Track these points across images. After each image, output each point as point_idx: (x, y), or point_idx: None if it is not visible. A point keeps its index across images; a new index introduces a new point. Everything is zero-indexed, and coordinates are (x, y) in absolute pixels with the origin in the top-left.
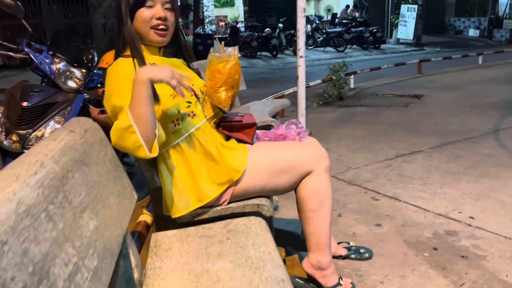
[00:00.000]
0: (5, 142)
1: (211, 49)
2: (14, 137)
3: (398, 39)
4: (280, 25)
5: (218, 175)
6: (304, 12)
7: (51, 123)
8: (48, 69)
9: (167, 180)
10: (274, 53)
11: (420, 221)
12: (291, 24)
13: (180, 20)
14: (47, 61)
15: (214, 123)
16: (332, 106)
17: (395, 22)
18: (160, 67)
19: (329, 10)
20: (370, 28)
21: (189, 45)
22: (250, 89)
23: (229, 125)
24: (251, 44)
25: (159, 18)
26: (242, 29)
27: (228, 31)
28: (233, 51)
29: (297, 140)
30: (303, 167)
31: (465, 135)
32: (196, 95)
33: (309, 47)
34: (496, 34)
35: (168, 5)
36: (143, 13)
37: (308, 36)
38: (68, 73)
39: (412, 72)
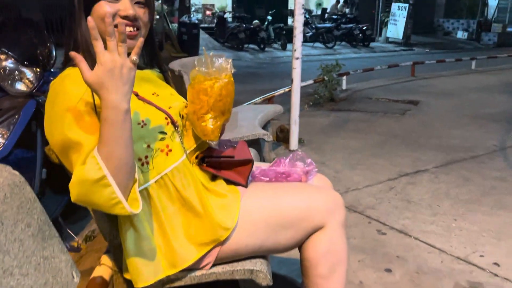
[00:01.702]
0: None
1: (196, 61)
2: None
3: (387, 38)
4: (269, 17)
5: (200, 232)
6: (303, 8)
7: None
8: None
9: (130, 239)
10: (262, 46)
11: (437, 266)
12: (280, 17)
13: (165, 7)
14: None
15: (196, 157)
16: (324, 109)
17: (385, 20)
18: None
19: (319, 4)
20: (360, 26)
21: (173, 34)
22: (237, 85)
23: (216, 162)
24: (238, 35)
25: (125, 17)
26: (230, 19)
27: (215, 21)
28: (226, 64)
29: (303, 180)
30: (313, 220)
31: (470, 152)
32: (173, 122)
33: None
34: (484, 37)
35: None
36: (103, 7)
37: None
38: (16, 73)
39: (404, 74)
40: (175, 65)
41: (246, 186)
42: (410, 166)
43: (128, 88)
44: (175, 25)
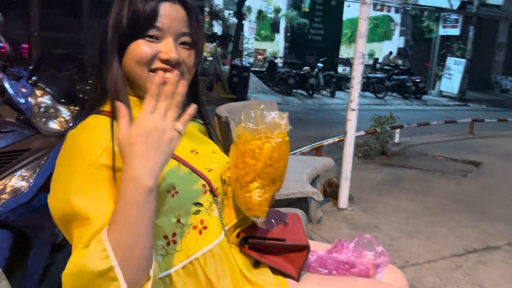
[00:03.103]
0: None
1: (242, 114)
2: None
3: (441, 92)
4: (320, 64)
5: None
6: (363, 58)
7: (14, 179)
8: (23, 103)
9: None
10: (311, 92)
11: None
12: (331, 64)
13: (218, 49)
14: (25, 91)
15: (237, 235)
16: (375, 163)
17: (440, 74)
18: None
19: (371, 54)
20: (414, 78)
21: (224, 76)
22: None
23: (262, 245)
24: (287, 80)
25: (166, 61)
26: (280, 64)
27: (266, 65)
28: (280, 119)
29: (371, 274)
30: None
31: None
32: (212, 191)
33: (347, 90)
34: None
35: (186, 38)
36: (141, 47)
37: (347, 79)
38: (52, 110)
39: (461, 130)
40: (222, 110)
41: (298, 279)
42: (478, 240)
43: (161, 162)
44: (226, 67)
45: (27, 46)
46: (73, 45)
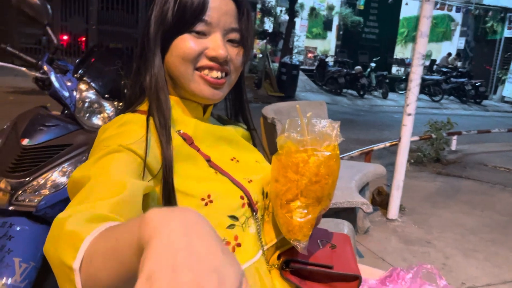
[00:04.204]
0: None
1: (287, 122)
2: (3, 184)
3: (503, 97)
4: (372, 64)
5: None
6: (423, 59)
7: (55, 174)
8: (68, 97)
9: None
10: (362, 92)
11: None
12: (385, 65)
13: (268, 46)
14: (70, 85)
15: (278, 257)
16: (428, 171)
17: (502, 78)
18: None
19: (428, 55)
20: (473, 81)
21: (273, 73)
22: None
23: (306, 270)
24: (338, 80)
25: (213, 59)
26: (331, 63)
27: (316, 63)
28: (330, 130)
29: None
30: None
31: None
32: (251, 205)
33: (401, 92)
34: None
35: (234, 35)
36: (186, 43)
37: (401, 80)
38: (95, 105)
39: None
40: (268, 111)
41: None
42: None
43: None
44: (275, 65)
45: (84, 39)
46: (129, 39)
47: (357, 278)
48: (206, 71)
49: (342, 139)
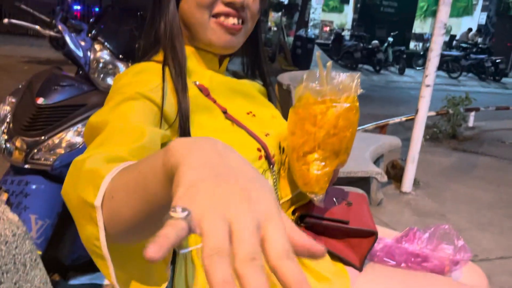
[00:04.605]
0: (7, 145)
1: (305, 73)
2: (18, 143)
3: None
4: (390, 39)
5: None
6: (445, 28)
7: (70, 134)
8: (82, 57)
9: None
10: (378, 68)
11: None
12: (402, 39)
13: (284, 19)
14: (84, 45)
15: (293, 212)
16: (443, 146)
17: None
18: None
19: (447, 31)
20: (493, 58)
21: (288, 47)
22: None
23: (321, 226)
24: (353, 54)
25: (229, 4)
26: (347, 37)
27: (332, 37)
28: (350, 81)
29: (447, 271)
30: None
31: None
32: (268, 157)
33: (418, 68)
34: None
35: None
36: None
37: (419, 56)
38: (110, 66)
39: None
40: (284, 78)
41: (360, 269)
42: None
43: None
44: (290, 38)
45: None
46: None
47: (373, 234)
48: (222, 18)
49: (362, 90)
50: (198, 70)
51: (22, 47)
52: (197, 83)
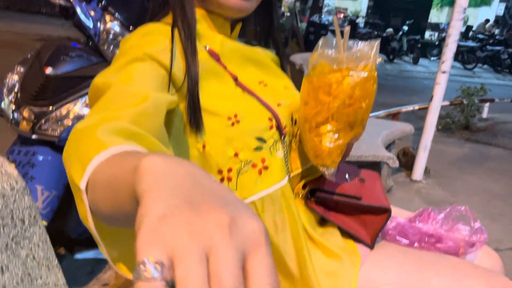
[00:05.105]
0: (15, 115)
1: (321, 40)
2: (26, 113)
3: None
4: (405, 27)
5: None
6: (464, 13)
7: (78, 105)
8: (92, 27)
9: None
10: (391, 57)
11: None
12: (418, 29)
13: (297, 4)
14: (94, 15)
15: (303, 187)
16: (456, 137)
17: None
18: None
19: (464, 21)
20: (510, 50)
21: (301, 32)
22: None
23: (332, 201)
24: None
25: None
26: (361, 24)
27: (345, 24)
28: (368, 49)
29: (461, 253)
30: None
31: None
32: (279, 127)
33: (433, 58)
34: None
35: None
36: None
37: (434, 46)
38: (120, 38)
39: None
40: (296, 58)
41: (371, 246)
42: None
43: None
44: (303, 24)
45: None
46: None
47: (386, 211)
48: None
49: (381, 59)
50: (208, 34)
51: (34, 25)
52: (208, 47)
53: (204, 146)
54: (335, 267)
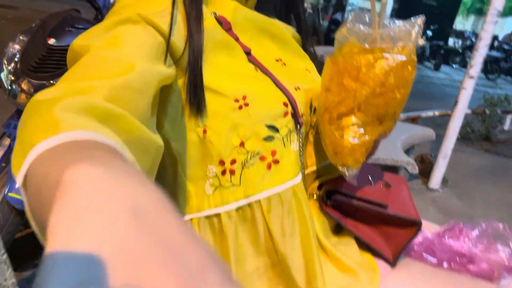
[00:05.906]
0: (13, 87)
1: (352, 13)
2: (25, 85)
3: None
4: (429, 32)
5: None
6: (498, 17)
7: None
8: None
9: None
10: None
11: None
12: (442, 35)
13: (320, 1)
14: None
15: (319, 187)
16: (475, 147)
17: None
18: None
19: None
20: None
21: (322, 30)
22: None
23: (352, 206)
24: None
25: None
26: None
27: None
28: (408, 28)
29: (495, 278)
30: None
31: None
32: (295, 116)
33: (454, 65)
34: None
35: None
36: None
37: (457, 53)
38: None
39: None
40: (317, 50)
41: (393, 264)
42: None
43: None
44: (325, 22)
45: None
46: None
47: (415, 224)
48: None
49: (423, 41)
50: (221, 3)
51: (42, 1)
52: (217, 14)
53: (205, 131)
54: (349, 284)
